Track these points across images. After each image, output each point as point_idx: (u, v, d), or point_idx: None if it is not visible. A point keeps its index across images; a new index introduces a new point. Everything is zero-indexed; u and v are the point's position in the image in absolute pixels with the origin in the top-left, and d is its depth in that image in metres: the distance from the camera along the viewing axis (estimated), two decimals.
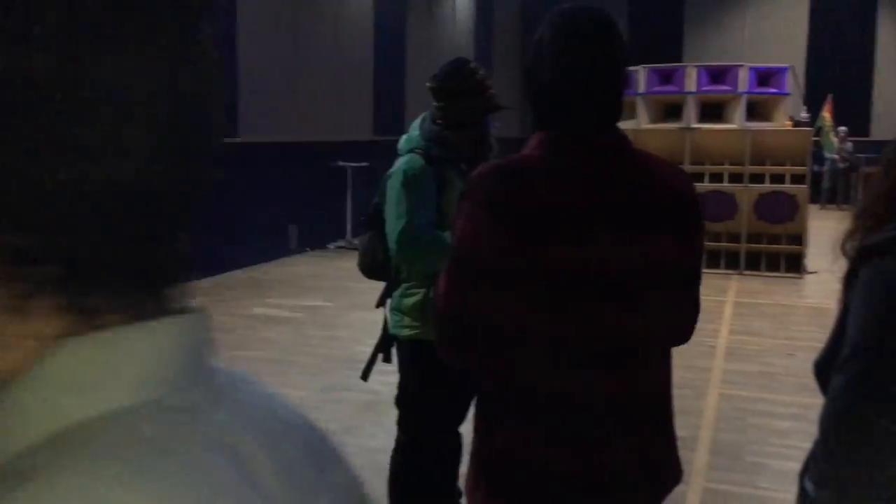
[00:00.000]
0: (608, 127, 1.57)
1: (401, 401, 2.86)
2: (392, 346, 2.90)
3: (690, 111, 9.22)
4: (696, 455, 3.99)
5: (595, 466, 1.55)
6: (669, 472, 1.69)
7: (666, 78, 9.43)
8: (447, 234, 2.39)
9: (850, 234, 1.79)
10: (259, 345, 6.01)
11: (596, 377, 1.54)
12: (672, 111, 9.50)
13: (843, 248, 1.79)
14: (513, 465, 1.59)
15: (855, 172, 15.49)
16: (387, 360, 2.95)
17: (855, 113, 16.97)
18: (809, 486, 1.72)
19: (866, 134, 16.95)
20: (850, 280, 1.71)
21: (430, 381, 2.73)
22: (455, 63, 2.77)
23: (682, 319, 1.69)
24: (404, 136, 2.85)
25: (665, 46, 16.98)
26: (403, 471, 2.86)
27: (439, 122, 2.76)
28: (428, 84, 2.77)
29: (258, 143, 9.30)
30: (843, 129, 15.79)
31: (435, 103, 2.77)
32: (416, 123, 2.84)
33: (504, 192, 1.48)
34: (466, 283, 1.52)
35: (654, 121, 9.50)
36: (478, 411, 1.68)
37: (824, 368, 1.74)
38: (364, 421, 4.33)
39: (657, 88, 9.38)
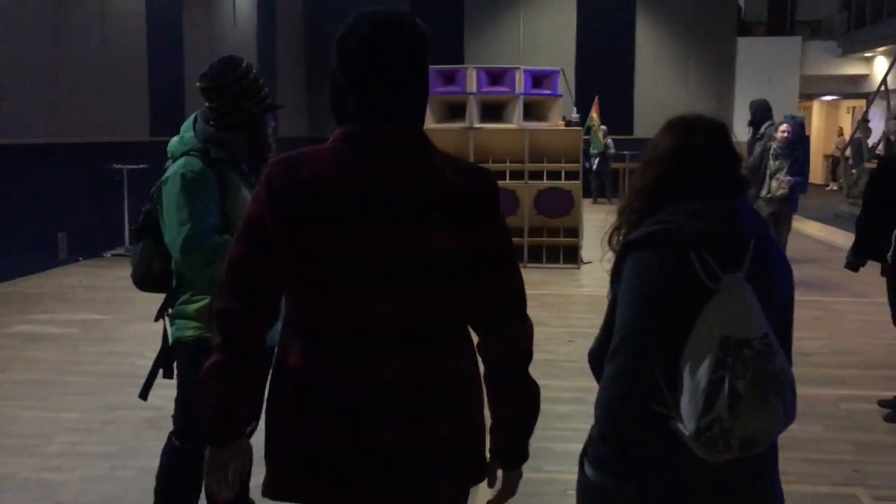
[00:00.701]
0: (400, 123, 1.61)
1: (182, 406, 2.68)
2: (173, 359, 2.74)
3: (473, 111, 9.52)
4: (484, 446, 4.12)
5: (367, 450, 1.59)
6: (465, 465, 1.70)
7: (449, 79, 9.67)
8: None
9: (615, 229, 1.90)
10: (23, 366, 5.47)
11: (369, 362, 1.58)
12: (456, 111, 9.78)
13: (609, 242, 1.89)
14: (288, 448, 1.64)
15: (610, 168, 16.81)
16: (168, 375, 2.78)
17: (619, 113, 18.36)
18: (588, 469, 1.80)
19: (630, 133, 18.40)
20: (616, 273, 1.81)
21: None
22: (226, 62, 2.64)
23: (488, 308, 1.68)
24: (175, 139, 2.68)
25: (447, 49, 17.45)
26: (183, 484, 2.70)
27: (212, 123, 2.63)
28: (198, 84, 2.63)
29: (17, 144, 8.49)
30: (603, 127, 16.97)
31: (207, 104, 2.63)
32: (188, 125, 2.68)
33: (283, 175, 1.57)
34: (247, 255, 1.60)
35: (439, 120, 9.72)
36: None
37: (597, 358, 1.82)
38: (146, 440, 4.05)
39: (441, 89, 9.60)
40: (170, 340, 2.69)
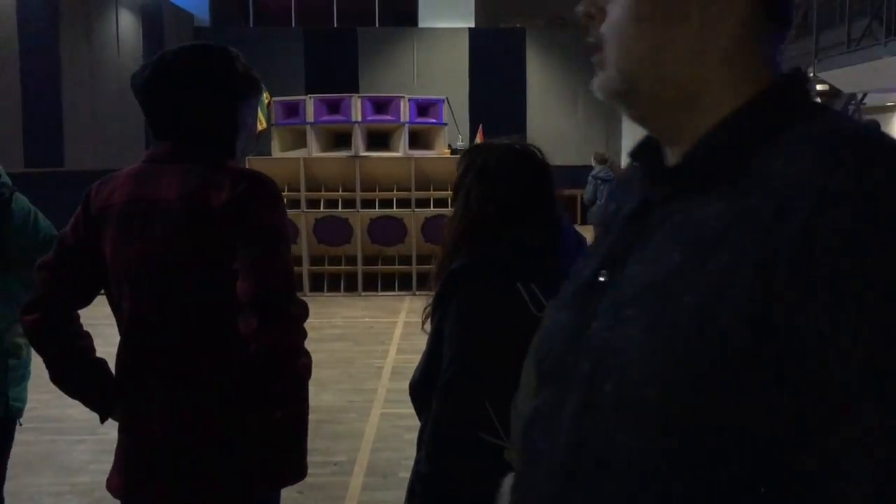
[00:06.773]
0: (171, 140, 1.79)
1: None
2: None
3: (358, 140, 9.50)
4: (352, 479, 4.04)
5: (143, 443, 1.79)
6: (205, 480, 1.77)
7: (333, 108, 9.63)
8: None
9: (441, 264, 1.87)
10: None
11: (145, 362, 1.78)
12: (341, 140, 9.73)
13: (438, 278, 1.85)
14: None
15: None
16: None
17: None
18: None
19: None
20: (440, 302, 1.76)
21: None
22: None
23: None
24: None
25: (341, 80, 17.39)
26: None
27: None
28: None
29: None
30: None
31: None
32: None
33: (92, 191, 1.84)
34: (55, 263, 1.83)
35: (324, 149, 9.65)
36: None
37: (422, 389, 1.79)
38: None
39: (325, 118, 9.55)
40: None
